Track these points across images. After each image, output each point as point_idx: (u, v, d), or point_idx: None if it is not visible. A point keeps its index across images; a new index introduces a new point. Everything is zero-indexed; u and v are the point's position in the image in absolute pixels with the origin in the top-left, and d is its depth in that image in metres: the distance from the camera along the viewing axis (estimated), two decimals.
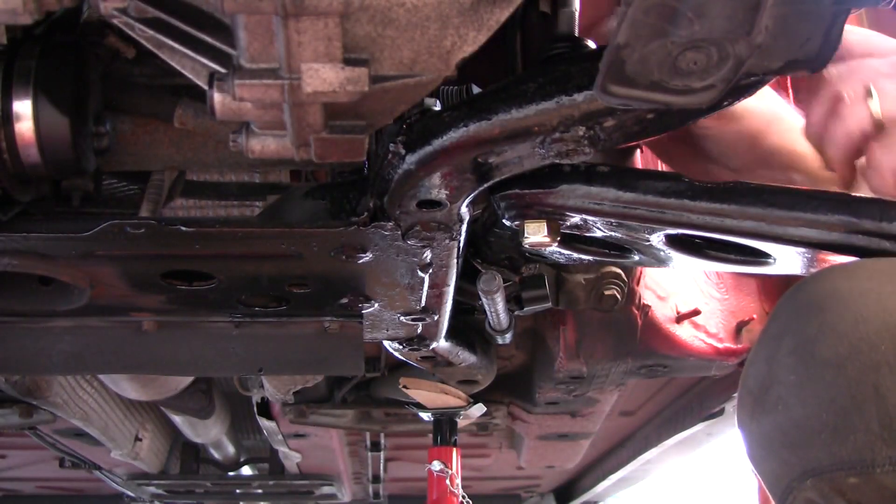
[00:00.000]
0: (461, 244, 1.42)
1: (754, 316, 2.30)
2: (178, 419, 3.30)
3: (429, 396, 2.44)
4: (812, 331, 1.09)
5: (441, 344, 1.85)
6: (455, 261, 1.47)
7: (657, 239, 1.42)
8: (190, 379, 2.73)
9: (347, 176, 1.53)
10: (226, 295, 1.56)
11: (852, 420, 1.02)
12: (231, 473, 4.28)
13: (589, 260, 1.59)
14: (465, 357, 2.04)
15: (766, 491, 1.16)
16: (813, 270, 1.39)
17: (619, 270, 1.93)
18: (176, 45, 1.00)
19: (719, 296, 2.30)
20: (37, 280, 1.55)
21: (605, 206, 1.34)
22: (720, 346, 2.25)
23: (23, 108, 1.24)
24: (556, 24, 1.30)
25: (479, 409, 2.54)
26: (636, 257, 1.56)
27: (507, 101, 1.14)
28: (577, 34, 1.30)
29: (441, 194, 1.26)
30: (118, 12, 0.98)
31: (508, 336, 1.89)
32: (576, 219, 1.40)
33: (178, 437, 3.77)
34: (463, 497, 2.52)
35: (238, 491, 4.43)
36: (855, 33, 1.49)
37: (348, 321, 1.69)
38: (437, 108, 1.23)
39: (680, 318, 2.18)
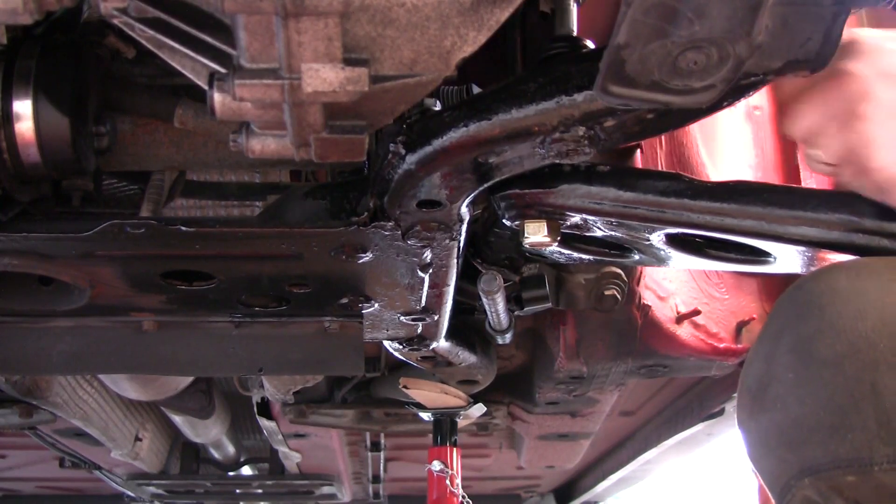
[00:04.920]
0: (461, 244, 1.43)
1: (754, 316, 2.30)
2: (178, 419, 3.30)
3: (429, 396, 2.44)
4: (810, 329, 1.09)
5: (441, 344, 1.85)
6: (455, 261, 1.47)
7: (657, 238, 1.42)
8: (190, 379, 2.73)
9: (347, 176, 1.53)
10: (226, 295, 1.56)
11: (850, 418, 1.02)
12: (231, 473, 4.28)
13: (589, 260, 1.59)
14: (465, 357, 2.04)
15: (766, 489, 1.16)
16: (813, 269, 1.39)
17: (619, 270, 1.93)
18: (176, 45, 1.00)
19: (719, 296, 2.30)
20: (37, 280, 1.55)
21: (605, 206, 1.34)
22: (720, 346, 2.24)
23: (23, 108, 1.24)
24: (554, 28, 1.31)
25: (479, 409, 2.54)
26: (636, 257, 1.56)
27: (507, 101, 1.14)
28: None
29: (441, 194, 1.26)
30: (118, 12, 0.98)
31: (508, 336, 1.89)
32: (576, 218, 1.40)
33: (178, 437, 3.77)
34: (463, 497, 2.52)
35: (238, 491, 4.42)
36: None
37: (348, 321, 1.70)
38: (437, 108, 1.23)
39: (680, 318, 2.18)
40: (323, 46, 0.92)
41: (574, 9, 1.35)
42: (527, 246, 1.41)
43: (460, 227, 1.36)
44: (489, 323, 1.83)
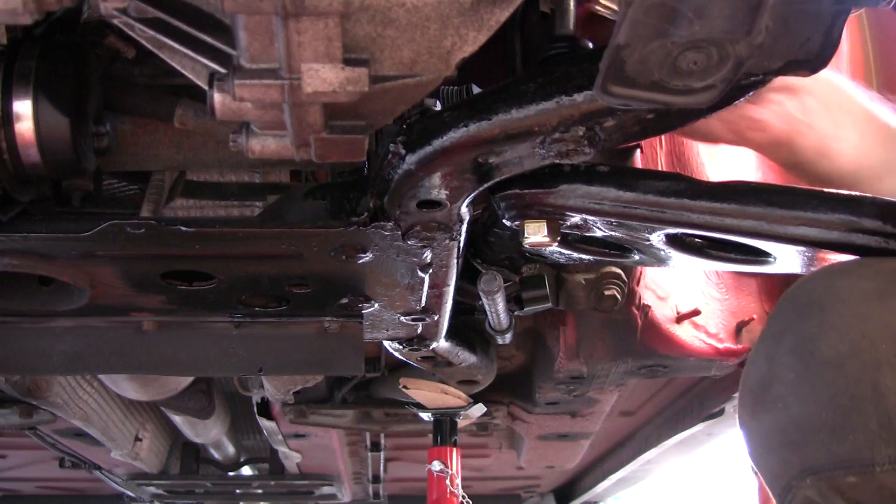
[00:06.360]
0: (461, 244, 1.43)
1: (754, 316, 2.30)
2: (178, 419, 3.30)
3: (429, 396, 2.44)
4: (812, 329, 1.09)
5: (441, 344, 1.85)
6: (455, 261, 1.47)
7: (657, 238, 1.42)
8: (190, 379, 2.73)
9: (347, 176, 1.53)
10: (226, 295, 1.56)
11: (851, 419, 1.02)
12: (231, 473, 4.27)
13: (589, 260, 1.59)
14: (465, 357, 2.04)
15: (767, 489, 1.16)
16: (813, 269, 1.39)
17: (619, 270, 1.93)
18: (176, 45, 1.00)
19: (719, 296, 2.30)
20: (37, 280, 1.55)
21: (605, 206, 1.34)
22: (720, 346, 2.24)
23: (23, 108, 1.24)
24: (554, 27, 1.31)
25: (479, 409, 2.54)
26: (636, 257, 1.56)
27: (507, 101, 1.14)
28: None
29: (441, 194, 1.26)
30: (118, 12, 0.98)
31: (508, 336, 1.89)
32: (576, 219, 1.40)
33: (178, 437, 3.76)
34: (463, 497, 2.52)
35: (238, 491, 4.42)
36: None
37: (348, 321, 1.70)
38: (437, 108, 1.23)
39: (680, 318, 2.18)
40: (323, 46, 0.92)
41: (574, 9, 1.35)
42: (527, 246, 1.41)
43: (460, 227, 1.36)
44: (489, 323, 1.83)
